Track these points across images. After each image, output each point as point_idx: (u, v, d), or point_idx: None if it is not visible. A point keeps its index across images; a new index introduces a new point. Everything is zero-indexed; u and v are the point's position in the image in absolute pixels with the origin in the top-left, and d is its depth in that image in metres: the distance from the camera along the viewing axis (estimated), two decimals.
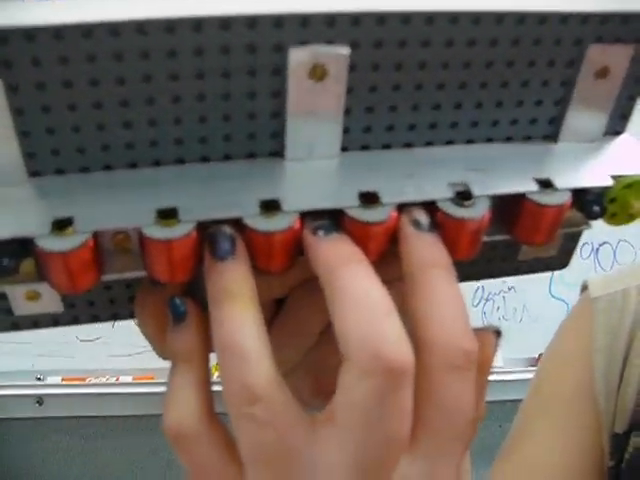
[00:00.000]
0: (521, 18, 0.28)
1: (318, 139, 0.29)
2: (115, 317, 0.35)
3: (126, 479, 1.58)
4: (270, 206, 0.27)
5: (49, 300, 0.32)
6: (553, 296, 1.38)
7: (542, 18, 0.28)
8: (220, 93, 0.27)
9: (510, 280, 1.39)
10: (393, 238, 0.28)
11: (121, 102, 0.26)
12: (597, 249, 1.48)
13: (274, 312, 0.34)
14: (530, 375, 0.66)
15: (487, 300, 1.49)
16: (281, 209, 0.27)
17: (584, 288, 0.63)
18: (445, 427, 0.26)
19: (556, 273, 1.24)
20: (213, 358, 0.28)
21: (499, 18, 0.28)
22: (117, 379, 1.43)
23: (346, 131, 0.29)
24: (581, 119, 0.32)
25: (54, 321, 0.34)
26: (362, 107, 0.29)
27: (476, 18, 0.27)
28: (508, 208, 0.30)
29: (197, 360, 0.28)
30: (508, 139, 0.32)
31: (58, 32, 0.24)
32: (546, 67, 0.30)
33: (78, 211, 0.26)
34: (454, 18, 0.27)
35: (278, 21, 0.25)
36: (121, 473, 1.57)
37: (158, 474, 1.58)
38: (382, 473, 0.25)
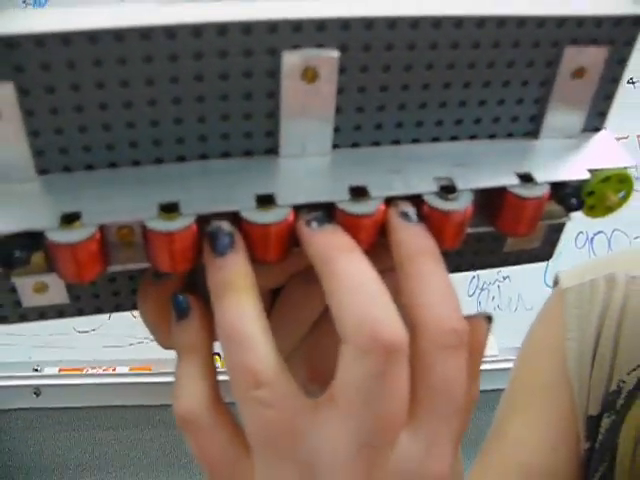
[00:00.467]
0: (501, 21, 0.29)
1: (310, 137, 0.30)
2: (118, 309, 0.36)
3: (123, 469, 1.59)
4: (266, 200, 0.29)
5: (56, 292, 0.34)
6: (548, 285, 1.40)
7: (521, 21, 0.30)
8: (218, 94, 0.28)
9: (505, 270, 1.41)
10: (381, 230, 0.30)
11: (125, 104, 0.27)
12: (592, 238, 1.49)
13: (270, 302, 0.36)
14: None
15: (482, 289, 1.50)
16: (276, 203, 0.29)
17: (556, 282, 0.65)
18: (440, 403, 0.28)
19: (551, 263, 1.26)
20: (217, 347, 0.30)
21: (480, 22, 0.29)
22: (114, 370, 1.44)
23: (337, 130, 0.30)
24: (560, 117, 0.33)
25: (60, 312, 0.35)
26: (352, 107, 0.30)
27: (459, 22, 0.29)
28: (491, 201, 0.32)
29: (202, 351, 0.30)
30: (491, 136, 0.34)
31: (66, 38, 0.25)
32: (525, 68, 0.31)
33: (85, 206, 0.28)
34: (437, 22, 0.29)
35: (272, 27, 0.27)
36: (118, 463, 1.58)
37: (155, 464, 1.59)
38: (382, 449, 0.27)
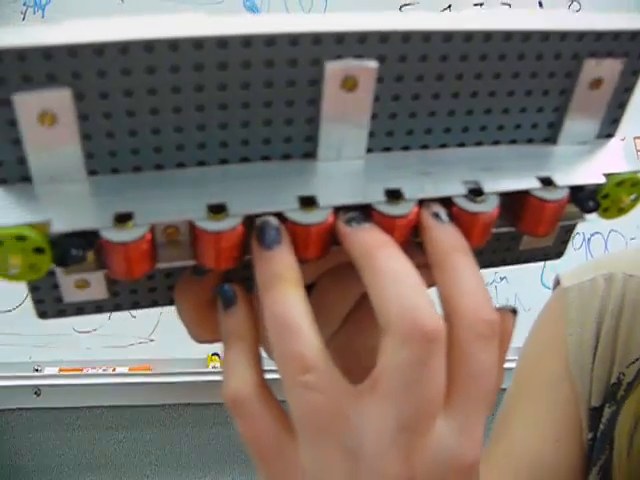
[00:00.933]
0: (526, 35, 0.31)
1: (347, 142, 0.32)
2: (155, 304, 0.37)
3: (123, 469, 1.60)
4: (308, 202, 0.30)
5: (96, 288, 0.35)
6: (545, 286, 1.42)
7: (544, 35, 0.32)
8: (263, 101, 0.30)
9: (502, 270, 1.43)
10: (413, 230, 0.32)
11: (175, 109, 0.29)
12: (589, 239, 1.52)
13: None
14: None
15: None
16: (317, 204, 0.30)
17: (557, 282, 0.68)
18: (474, 390, 0.30)
19: (548, 263, 1.28)
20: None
21: (507, 36, 0.31)
22: (113, 370, 1.45)
23: (371, 135, 0.32)
24: (577, 124, 0.35)
25: (98, 308, 0.36)
26: (386, 113, 0.32)
27: (487, 36, 0.31)
28: (513, 203, 0.34)
29: (248, 338, 0.32)
30: (512, 141, 0.35)
31: (123, 47, 0.27)
32: (547, 78, 0.33)
33: (136, 206, 0.29)
34: (468, 36, 0.30)
35: (316, 38, 0.28)
36: (118, 463, 1.59)
37: (154, 463, 1.60)
38: (421, 433, 0.28)
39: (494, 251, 0.40)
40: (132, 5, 1.29)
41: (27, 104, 0.27)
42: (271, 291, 0.29)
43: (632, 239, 1.49)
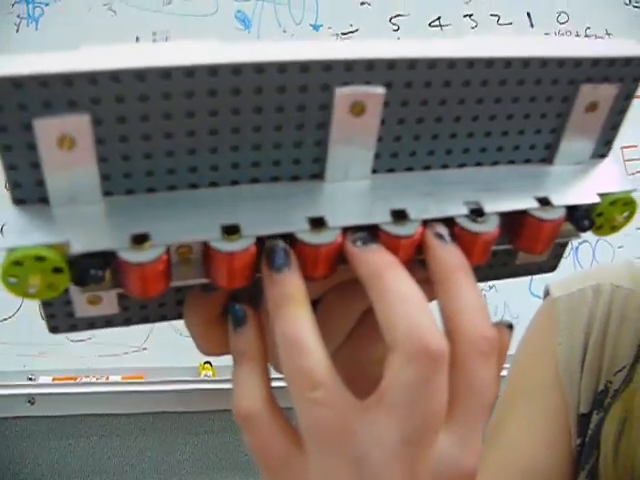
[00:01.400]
0: (526, 62, 0.33)
1: (353, 163, 0.33)
2: (164, 318, 0.38)
3: (116, 476, 1.60)
4: (317, 222, 0.31)
5: (107, 304, 0.36)
6: (533, 294, 1.43)
7: (543, 62, 0.33)
8: (274, 125, 0.31)
9: None
10: (417, 248, 0.33)
11: (189, 133, 0.30)
12: (577, 248, 1.53)
13: None
14: None
15: None
16: (327, 225, 0.31)
17: (546, 292, 0.70)
18: (474, 403, 0.31)
19: None
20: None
21: (508, 63, 0.32)
22: (107, 378, 1.46)
23: (377, 156, 0.33)
24: (573, 145, 0.37)
25: (108, 322, 0.37)
26: (391, 136, 0.33)
27: (489, 62, 0.32)
28: (512, 222, 0.35)
29: (259, 355, 0.33)
30: (511, 162, 0.37)
31: (141, 74, 0.28)
32: (545, 102, 0.35)
33: (152, 227, 0.30)
34: (471, 63, 0.32)
35: (327, 66, 0.30)
36: (111, 470, 1.60)
37: (147, 470, 1.61)
38: (424, 446, 0.30)
39: (491, 266, 0.41)
40: (124, 18, 1.30)
41: (47, 129, 0.28)
42: (281, 311, 0.30)
43: (620, 247, 1.51)
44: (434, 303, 0.33)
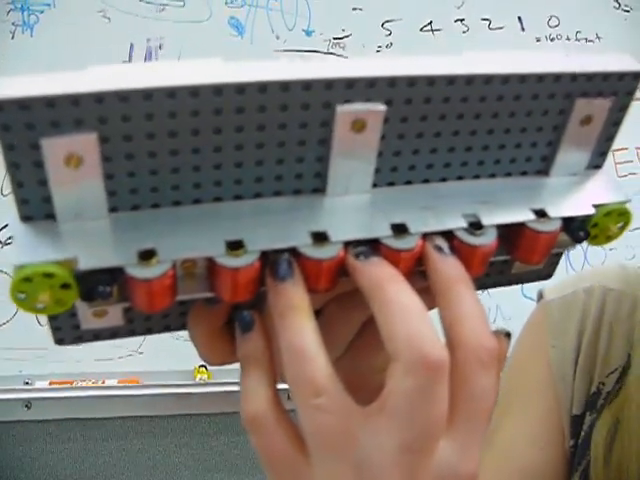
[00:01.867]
0: (523, 78, 0.33)
1: (354, 178, 0.34)
2: (167, 329, 0.39)
3: (113, 479, 1.60)
4: (319, 237, 0.32)
5: (113, 316, 0.36)
6: (525, 296, 1.44)
7: (539, 78, 0.34)
8: (276, 142, 0.31)
9: None
10: (417, 261, 0.34)
11: (193, 150, 0.31)
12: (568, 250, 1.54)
13: None
14: None
15: None
16: (329, 239, 0.32)
17: (540, 296, 0.71)
18: (475, 411, 0.32)
19: None
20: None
21: (505, 79, 0.33)
22: (103, 382, 1.46)
23: (377, 170, 0.34)
24: (568, 157, 0.37)
25: (113, 334, 0.38)
26: (391, 151, 0.34)
27: (487, 79, 0.33)
28: (509, 233, 0.36)
29: (265, 360, 0.34)
30: (508, 174, 0.37)
31: (147, 94, 0.28)
32: (541, 116, 0.35)
33: (158, 243, 0.31)
34: (469, 79, 0.32)
35: (328, 84, 0.30)
36: (108, 473, 1.60)
37: (143, 473, 1.61)
38: (425, 453, 0.31)
39: (488, 274, 0.42)
40: (119, 24, 1.30)
41: (55, 148, 0.28)
42: (285, 321, 0.31)
43: (611, 250, 1.52)
44: (435, 313, 0.34)
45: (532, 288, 0.71)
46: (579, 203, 0.37)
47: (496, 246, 0.35)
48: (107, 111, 0.28)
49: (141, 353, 1.41)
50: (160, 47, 1.32)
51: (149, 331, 0.39)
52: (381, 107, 0.32)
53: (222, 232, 0.32)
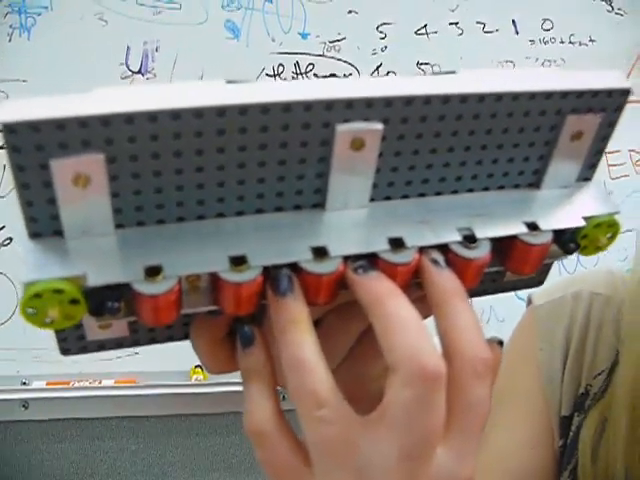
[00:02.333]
0: (515, 96, 0.34)
1: (352, 193, 0.35)
2: (170, 339, 0.40)
3: (109, 478, 1.61)
4: (319, 252, 0.33)
5: (118, 328, 0.37)
6: (519, 297, 1.44)
7: (531, 95, 0.35)
8: (278, 160, 0.32)
9: None
10: (414, 273, 0.35)
11: (197, 169, 0.31)
12: None
13: None
14: None
15: None
16: (328, 254, 0.33)
17: (529, 301, 0.73)
18: (471, 419, 0.33)
19: None
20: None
21: (498, 97, 0.34)
22: (99, 383, 1.46)
23: (374, 186, 0.35)
24: (559, 170, 0.39)
25: (118, 344, 0.39)
26: (388, 167, 0.35)
27: (481, 97, 0.34)
28: (502, 245, 0.37)
29: (267, 373, 0.35)
30: (500, 187, 0.39)
31: (152, 116, 0.29)
32: (533, 132, 0.36)
33: (164, 259, 0.31)
34: (464, 98, 0.33)
35: (328, 104, 0.31)
36: (104, 473, 1.60)
37: (140, 473, 1.61)
38: (423, 460, 0.32)
39: (481, 282, 0.43)
40: (115, 27, 1.30)
41: (63, 168, 0.29)
42: (286, 335, 0.32)
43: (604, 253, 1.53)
44: (430, 320, 0.35)
45: (525, 290, 0.73)
46: (570, 215, 0.38)
47: (490, 259, 0.36)
48: (114, 132, 0.29)
49: (137, 354, 1.41)
50: (157, 50, 1.33)
51: (153, 341, 0.40)
52: (379, 126, 0.33)
53: (225, 248, 0.33)
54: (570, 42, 1.50)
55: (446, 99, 0.33)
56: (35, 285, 0.30)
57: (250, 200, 0.34)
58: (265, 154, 0.32)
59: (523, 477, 0.65)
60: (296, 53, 1.40)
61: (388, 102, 0.32)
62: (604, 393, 0.63)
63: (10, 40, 1.26)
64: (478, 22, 1.45)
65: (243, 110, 0.30)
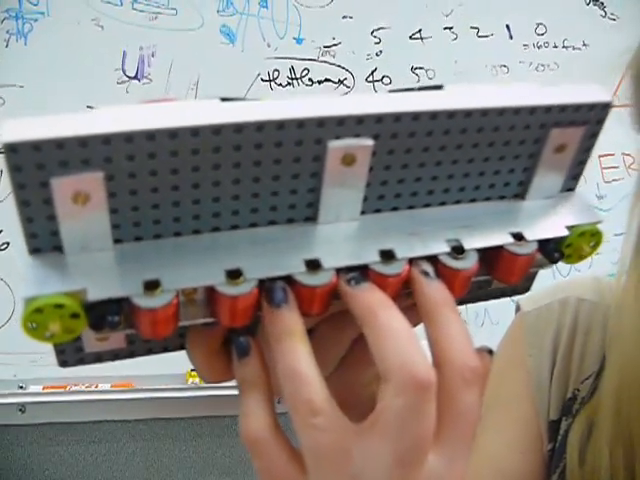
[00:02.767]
0: (501, 111, 0.35)
1: (344, 207, 0.36)
2: (166, 350, 0.41)
3: None
4: (313, 264, 0.34)
5: (115, 340, 0.38)
6: (513, 300, 1.45)
7: (516, 110, 0.36)
8: (272, 175, 0.33)
9: None
10: (404, 284, 0.36)
11: (194, 185, 0.32)
12: None
13: None
14: None
15: None
16: (322, 267, 0.34)
17: (518, 308, 0.74)
18: (460, 425, 0.34)
19: None
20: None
21: (484, 112, 0.35)
22: (96, 386, 1.47)
23: (365, 199, 0.36)
24: (543, 182, 0.40)
25: (115, 355, 0.39)
26: (378, 181, 0.36)
27: (467, 113, 0.35)
28: (489, 255, 0.38)
29: (262, 383, 0.36)
30: (487, 199, 0.40)
31: (150, 135, 0.30)
32: (518, 145, 0.37)
33: (161, 273, 0.32)
34: (451, 114, 0.34)
35: (320, 122, 0.32)
36: (101, 476, 1.61)
37: (137, 476, 1.62)
38: (415, 465, 0.33)
39: (469, 291, 0.44)
40: (112, 32, 1.31)
41: (63, 186, 0.30)
42: (281, 345, 0.33)
43: (597, 254, 1.54)
44: (420, 328, 0.36)
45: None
46: (554, 225, 0.39)
47: (477, 269, 0.37)
48: (112, 151, 0.30)
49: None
50: (153, 55, 1.34)
51: (149, 352, 0.40)
52: (369, 142, 0.33)
53: (221, 261, 0.33)
54: (564, 46, 1.52)
55: (434, 115, 0.34)
56: (36, 300, 0.30)
57: (245, 214, 0.35)
58: (259, 170, 0.33)
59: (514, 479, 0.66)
60: (291, 58, 1.40)
61: (378, 119, 0.33)
62: (591, 397, 0.64)
63: (7, 46, 1.27)
64: (472, 27, 1.46)
65: (238, 128, 0.31)
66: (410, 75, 1.45)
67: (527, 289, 0.47)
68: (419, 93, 0.35)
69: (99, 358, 0.39)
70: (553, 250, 0.39)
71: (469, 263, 0.36)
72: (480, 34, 1.47)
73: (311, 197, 0.35)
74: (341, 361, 0.41)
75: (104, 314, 0.31)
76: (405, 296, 0.36)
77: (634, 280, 0.62)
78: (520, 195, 0.40)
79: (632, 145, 1.52)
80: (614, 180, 1.58)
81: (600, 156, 1.54)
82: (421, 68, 1.45)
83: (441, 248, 0.36)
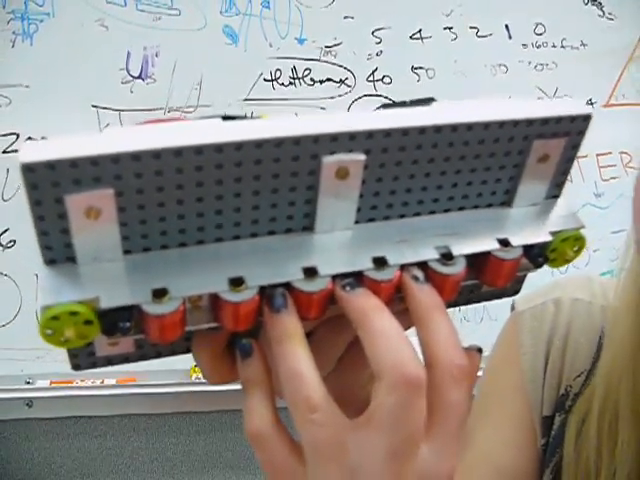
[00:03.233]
0: (486, 125, 0.38)
1: (339, 217, 0.38)
2: (174, 353, 0.43)
3: (111, 475, 1.64)
4: (310, 272, 0.36)
5: (125, 344, 0.40)
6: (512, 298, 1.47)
7: (500, 124, 0.38)
8: (270, 188, 0.35)
9: None
10: (397, 289, 0.38)
11: (197, 199, 0.34)
12: None
13: None
14: None
15: None
16: (318, 274, 0.36)
17: (513, 307, 0.77)
18: (450, 420, 0.36)
19: None
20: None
21: (470, 126, 0.37)
22: (102, 381, 1.49)
23: (358, 210, 0.38)
24: (529, 190, 0.42)
25: (125, 359, 0.42)
26: (371, 192, 0.38)
27: (454, 127, 0.37)
28: (477, 261, 0.40)
29: (264, 382, 0.38)
30: (475, 207, 0.42)
31: (157, 153, 0.32)
32: (503, 156, 0.40)
33: (169, 281, 0.34)
34: (438, 129, 0.37)
35: (315, 139, 0.34)
36: (106, 470, 1.63)
37: (141, 469, 1.65)
38: (408, 458, 0.35)
39: (460, 294, 0.46)
40: (116, 33, 1.33)
41: (76, 203, 0.32)
42: (281, 347, 0.35)
43: (595, 251, 1.56)
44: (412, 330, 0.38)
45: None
46: (539, 231, 0.41)
47: (465, 274, 0.39)
48: (122, 169, 0.32)
49: None
50: (157, 55, 1.35)
51: (158, 355, 0.43)
52: (361, 157, 0.36)
53: (224, 270, 0.36)
54: (562, 46, 1.53)
55: (422, 130, 0.36)
56: (53, 309, 0.32)
57: (246, 225, 0.37)
58: (259, 184, 0.35)
59: (508, 475, 0.69)
60: (293, 58, 1.42)
61: (369, 135, 0.35)
62: (583, 394, 0.66)
63: (13, 46, 1.28)
64: (472, 27, 1.48)
65: (239, 146, 0.33)
66: (410, 75, 1.47)
67: (517, 291, 0.50)
68: (408, 110, 0.37)
69: (110, 362, 0.41)
70: (537, 255, 0.41)
71: (458, 268, 0.38)
72: (479, 34, 1.48)
73: (308, 208, 0.37)
74: (338, 362, 0.44)
75: (116, 321, 0.34)
76: (397, 300, 0.38)
77: (632, 277, 0.64)
78: (507, 203, 0.42)
79: (629, 143, 1.54)
80: (612, 178, 1.59)
81: (598, 154, 1.55)
82: (421, 68, 1.46)
83: (431, 254, 0.38)
